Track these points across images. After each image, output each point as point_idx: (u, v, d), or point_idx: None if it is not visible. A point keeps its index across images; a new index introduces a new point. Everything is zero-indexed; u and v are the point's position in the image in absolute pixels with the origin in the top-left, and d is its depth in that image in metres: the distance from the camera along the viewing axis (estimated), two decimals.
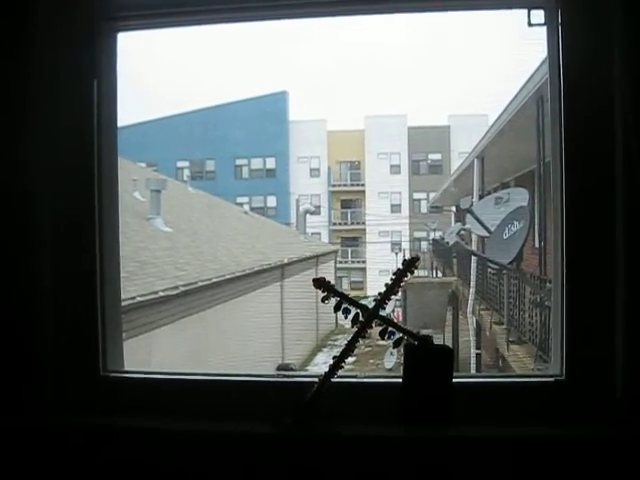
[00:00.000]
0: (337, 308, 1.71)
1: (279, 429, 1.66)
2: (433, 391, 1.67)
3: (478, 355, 9.18)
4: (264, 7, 1.85)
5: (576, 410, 1.66)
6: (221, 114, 12.40)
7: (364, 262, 12.98)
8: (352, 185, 13.35)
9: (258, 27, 2.04)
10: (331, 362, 1.70)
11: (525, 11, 1.75)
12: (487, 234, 8.39)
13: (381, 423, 1.67)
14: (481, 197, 9.18)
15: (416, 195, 12.92)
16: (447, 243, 10.55)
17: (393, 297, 1.72)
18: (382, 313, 1.71)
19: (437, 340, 1.80)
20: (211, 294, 8.33)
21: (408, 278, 1.71)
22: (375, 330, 1.73)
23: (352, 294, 1.77)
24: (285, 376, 1.85)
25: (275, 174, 12.68)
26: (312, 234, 12.84)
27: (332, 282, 1.71)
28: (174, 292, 7.42)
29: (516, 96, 7.18)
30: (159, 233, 9.02)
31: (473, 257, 9.31)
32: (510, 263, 7.82)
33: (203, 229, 10.83)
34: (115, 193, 1.92)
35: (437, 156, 13.00)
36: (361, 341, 1.73)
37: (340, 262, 12.97)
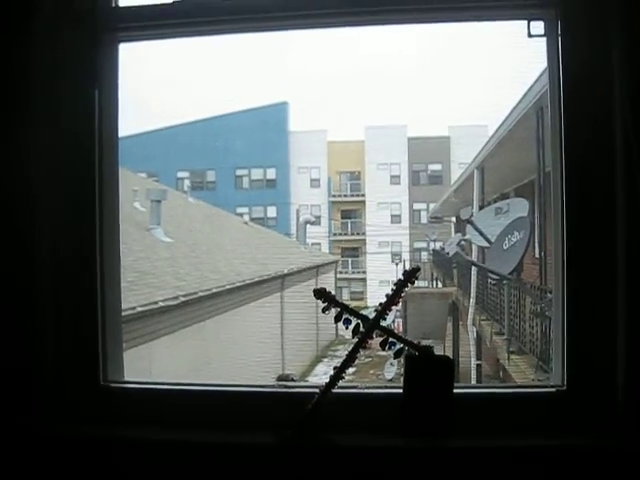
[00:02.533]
0: (338, 319, 1.70)
1: (279, 440, 1.65)
2: (434, 402, 1.66)
3: (478, 366, 9.15)
4: (265, 19, 1.86)
5: (577, 420, 1.66)
6: (221, 124, 12.41)
7: (364, 272, 12.96)
8: (352, 195, 13.35)
9: (259, 38, 2.05)
10: (332, 373, 1.70)
11: (525, 22, 1.76)
12: (487, 244, 8.37)
13: (382, 434, 1.66)
14: (481, 207, 9.19)
15: (416, 206, 12.91)
16: (447, 254, 10.54)
17: (394, 307, 1.72)
18: (383, 324, 1.71)
19: (437, 350, 1.80)
20: (211, 304, 8.32)
21: (409, 289, 1.71)
22: (376, 341, 1.72)
23: (352, 304, 1.76)
24: (285, 387, 1.84)
25: (275, 184, 12.68)
26: (312, 244, 12.83)
27: (332, 292, 1.71)
28: (174, 302, 7.41)
29: (516, 107, 7.19)
30: (159, 243, 9.02)
31: (473, 267, 9.30)
32: (510, 273, 7.80)
33: (203, 239, 10.83)
34: (116, 203, 1.93)
35: (437, 167, 13.00)
36: (362, 352, 1.73)
37: (340, 272, 12.96)
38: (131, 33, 1.92)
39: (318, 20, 1.91)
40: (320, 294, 1.69)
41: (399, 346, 1.69)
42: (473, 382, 8.52)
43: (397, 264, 11.91)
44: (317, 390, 1.69)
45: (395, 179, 13.09)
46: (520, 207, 8.10)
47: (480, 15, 1.89)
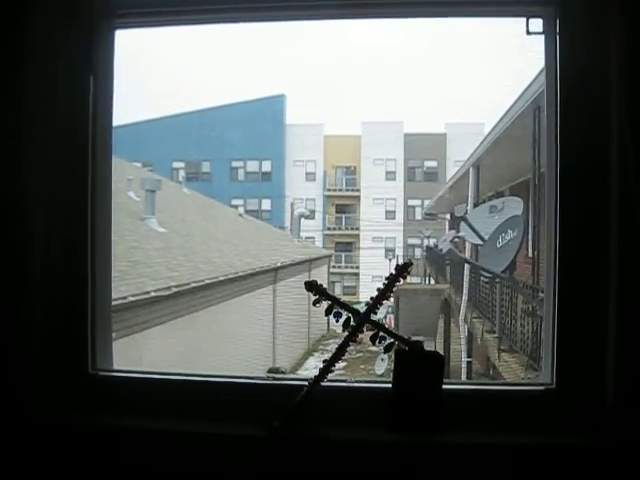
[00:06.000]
0: (328, 312, 1.70)
1: (267, 431, 1.65)
2: (423, 397, 1.66)
3: (469, 363, 9.18)
4: (263, 8, 1.85)
5: (566, 419, 1.66)
6: (218, 116, 12.39)
7: (357, 267, 13.00)
8: (347, 190, 13.37)
9: (256, 29, 2.04)
10: (321, 366, 1.70)
11: (524, 19, 1.76)
12: (481, 242, 8.39)
13: (370, 428, 1.66)
14: (476, 205, 9.20)
15: (411, 202, 12.94)
16: (441, 250, 10.56)
17: (385, 302, 1.72)
18: (374, 318, 1.71)
19: (429, 347, 1.80)
20: (203, 295, 8.31)
21: (400, 283, 1.70)
22: (366, 335, 1.72)
23: (345, 299, 1.76)
24: (275, 378, 1.84)
25: (271, 177, 12.69)
26: (306, 238, 12.84)
27: (325, 286, 1.70)
28: (166, 293, 7.40)
29: (513, 105, 7.19)
30: (153, 233, 9.00)
31: (466, 265, 9.32)
32: (503, 272, 7.82)
33: (197, 230, 10.81)
34: (108, 191, 1.91)
35: (433, 163, 13.03)
36: (352, 346, 1.72)
37: (333, 267, 12.98)
38: (127, 20, 1.90)
39: (317, 11, 1.91)
40: (311, 286, 1.69)
41: (389, 340, 1.69)
42: (463, 379, 8.54)
43: (390, 260, 11.93)
44: (306, 383, 1.68)
45: (391, 175, 13.11)
46: (515, 206, 8.12)
47: (479, 11, 1.88)
